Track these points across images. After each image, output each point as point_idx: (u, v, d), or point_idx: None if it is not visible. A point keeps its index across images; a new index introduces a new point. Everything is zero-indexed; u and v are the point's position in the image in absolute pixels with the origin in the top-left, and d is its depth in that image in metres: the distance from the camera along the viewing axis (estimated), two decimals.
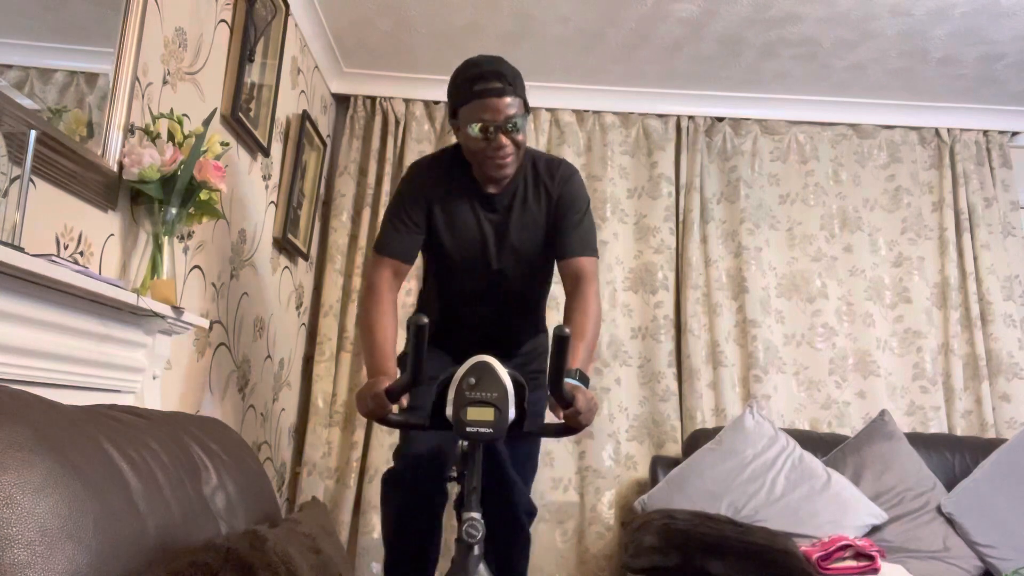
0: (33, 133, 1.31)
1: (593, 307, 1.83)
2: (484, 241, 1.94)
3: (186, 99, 2.06)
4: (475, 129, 1.76)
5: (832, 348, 3.32)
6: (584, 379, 1.66)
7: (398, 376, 1.71)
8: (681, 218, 3.46)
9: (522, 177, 1.94)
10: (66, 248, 1.56)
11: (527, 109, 1.83)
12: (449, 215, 1.93)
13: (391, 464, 1.90)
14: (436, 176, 1.95)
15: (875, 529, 2.64)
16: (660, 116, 3.54)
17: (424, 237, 1.95)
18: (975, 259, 3.39)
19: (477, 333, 1.98)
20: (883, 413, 2.97)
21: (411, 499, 1.85)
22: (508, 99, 1.74)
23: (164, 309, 1.65)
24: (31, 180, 1.38)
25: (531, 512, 2.00)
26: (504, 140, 1.77)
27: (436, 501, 1.89)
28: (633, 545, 2.39)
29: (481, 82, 1.75)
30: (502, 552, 1.89)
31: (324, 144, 3.31)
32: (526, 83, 1.87)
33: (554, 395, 1.50)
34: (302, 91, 3.08)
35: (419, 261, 2.06)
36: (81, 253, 1.61)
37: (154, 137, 1.78)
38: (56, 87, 1.53)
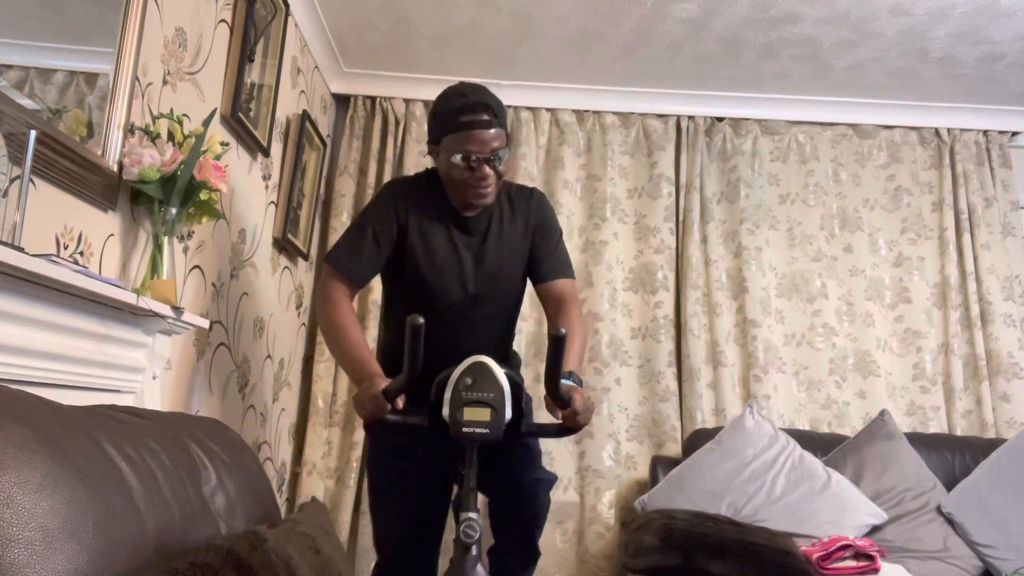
0: (33, 133, 1.31)
1: (577, 320, 1.86)
2: (461, 265, 1.92)
3: (186, 99, 2.06)
4: (459, 159, 1.78)
5: (832, 348, 3.32)
6: (578, 381, 1.67)
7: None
8: (681, 218, 3.46)
9: (497, 202, 1.95)
10: (66, 248, 1.56)
11: (509, 140, 1.86)
12: (424, 237, 1.91)
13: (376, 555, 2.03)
14: (412, 196, 1.94)
15: (875, 529, 2.64)
16: (660, 116, 3.54)
17: (388, 257, 1.91)
18: (975, 259, 3.39)
19: (448, 358, 1.94)
20: (883, 413, 2.97)
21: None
22: (494, 131, 1.77)
23: (164, 309, 1.65)
24: (31, 180, 1.38)
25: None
26: (487, 171, 1.80)
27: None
28: (633, 545, 2.39)
29: (468, 113, 1.76)
30: None
31: (324, 144, 3.30)
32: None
33: (551, 396, 1.50)
34: (302, 91, 3.08)
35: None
36: (81, 253, 1.61)
37: (154, 137, 1.78)
38: (56, 87, 1.53)
